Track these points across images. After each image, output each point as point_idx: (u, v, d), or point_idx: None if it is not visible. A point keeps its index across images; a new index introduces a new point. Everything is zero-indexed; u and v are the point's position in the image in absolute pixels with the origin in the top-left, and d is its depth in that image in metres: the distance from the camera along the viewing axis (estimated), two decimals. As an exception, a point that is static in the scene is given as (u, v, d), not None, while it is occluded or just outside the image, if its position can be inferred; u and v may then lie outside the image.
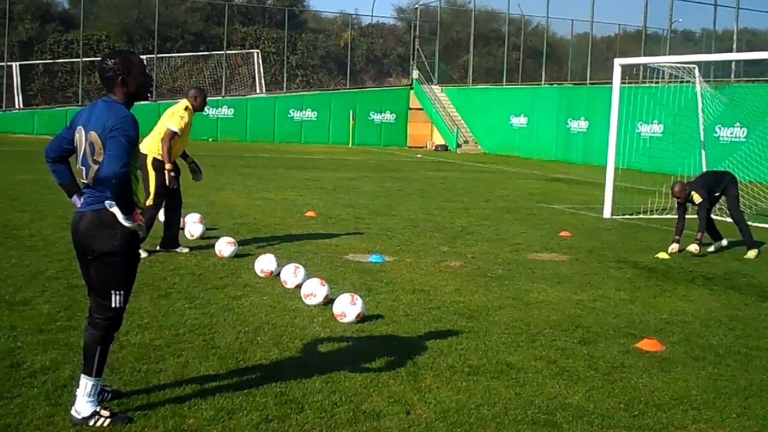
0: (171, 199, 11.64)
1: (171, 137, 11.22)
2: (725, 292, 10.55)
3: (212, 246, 11.59)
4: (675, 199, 14.09)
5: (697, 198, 13.56)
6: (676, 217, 13.93)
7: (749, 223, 14.54)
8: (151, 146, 11.32)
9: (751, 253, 13.43)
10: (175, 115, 11.34)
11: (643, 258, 12.83)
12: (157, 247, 11.57)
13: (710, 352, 7.72)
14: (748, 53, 34.15)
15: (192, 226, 12.70)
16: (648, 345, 7.72)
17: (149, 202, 11.24)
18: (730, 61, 36.41)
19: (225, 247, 11.31)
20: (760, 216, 17.75)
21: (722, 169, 15.75)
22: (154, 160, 11.27)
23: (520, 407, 5.97)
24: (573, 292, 10.13)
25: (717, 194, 14.01)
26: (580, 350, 7.56)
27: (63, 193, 5.63)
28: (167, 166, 11.24)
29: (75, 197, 5.49)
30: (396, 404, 5.90)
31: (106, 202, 5.15)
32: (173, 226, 11.71)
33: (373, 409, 5.77)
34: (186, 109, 11.44)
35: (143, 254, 11.02)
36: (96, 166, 5.18)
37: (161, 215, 11.81)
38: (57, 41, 50.18)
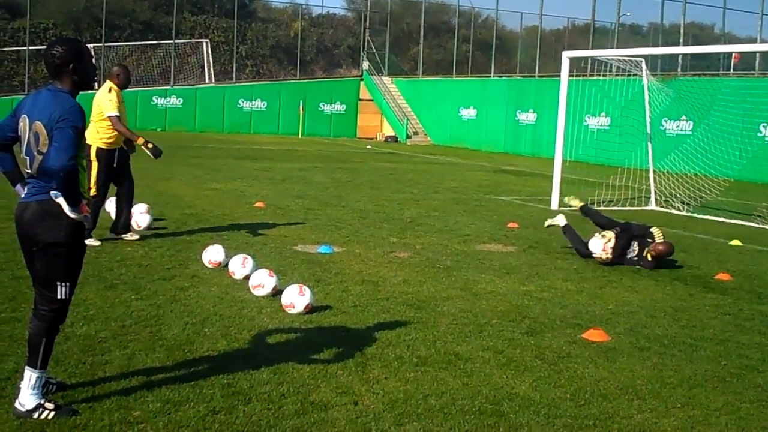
0: (122, 187, 11.60)
1: (117, 121, 11.22)
2: (670, 283, 10.67)
3: (160, 236, 11.51)
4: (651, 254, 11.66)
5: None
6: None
7: (692, 214, 14.67)
8: (92, 136, 11.20)
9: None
10: (103, 100, 11.25)
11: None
12: (110, 233, 11.53)
13: (655, 342, 7.81)
14: (694, 47, 34.64)
15: (139, 216, 12.56)
16: (594, 335, 7.79)
17: (92, 192, 11.14)
18: (676, 55, 36.84)
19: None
20: (705, 208, 18.00)
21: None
22: (98, 149, 11.20)
23: (468, 397, 5.99)
24: (520, 282, 10.19)
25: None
26: (527, 341, 7.60)
27: (7, 182, 5.56)
28: (139, 140, 11.28)
29: (18, 186, 5.42)
30: (344, 395, 5.90)
31: (52, 192, 5.09)
32: (123, 211, 11.62)
33: (321, 400, 5.77)
34: (110, 90, 11.34)
35: (95, 243, 10.96)
36: (41, 157, 5.10)
37: (111, 205, 11.79)
38: (3, 29, 49.50)
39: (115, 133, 11.30)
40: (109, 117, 11.16)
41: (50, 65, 5.26)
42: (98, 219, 11.47)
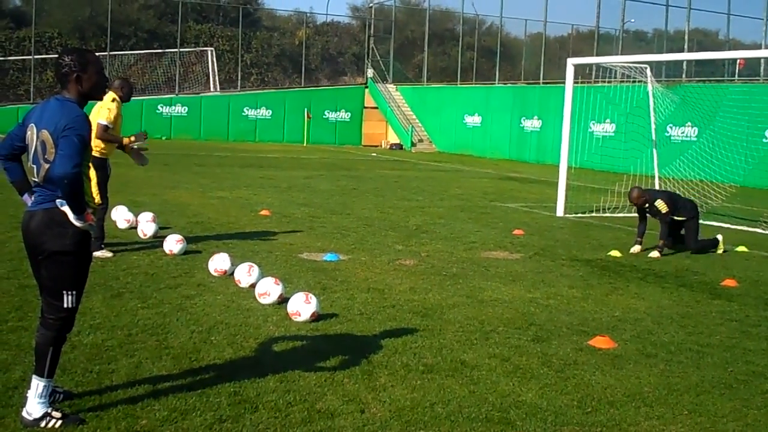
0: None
1: (104, 130, 11.06)
2: (677, 290, 10.66)
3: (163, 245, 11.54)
4: (633, 205, 13.99)
5: (663, 207, 13.46)
6: (637, 218, 13.82)
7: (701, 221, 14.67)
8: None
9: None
10: (102, 108, 11.15)
11: (596, 256, 12.93)
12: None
13: (662, 349, 7.80)
14: (699, 53, 34.62)
15: (145, 225, 12.59)
16: (600, 342, 7.78)
17: (97, 200, 11.13)
18: (681, 61, 36.82)
19: (174, 245, 11.27)
20: (711, 214, 17.96)
21: (688, 198, 15.63)
22: (92, 158, 11.16)
23: (474, 405, 5.99)
24: (526, 290, 10.18)
25: (679, 220, 13.73)
26: (533, 348, 7.60)
27: (14, 191, 5.57)
28: (125, 140, 11.17)
29: (26, 196, 5.43)
30: (350, 403, 5.89)
31: (58, 201, 5.10)
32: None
33: (328, 408, 5.76)
34: (113, 100, 11.28)
35: (108, 254, 10.94)
36: (47, 165, 5.11)
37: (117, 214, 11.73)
38: (8, 38, 49.70)
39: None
40: (98, 123, 10.96)
41: (57, 74, 5.30)
42: (104, 228, 11.46)
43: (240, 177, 24.09)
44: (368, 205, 18.41)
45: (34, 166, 5.25)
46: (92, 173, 11.14)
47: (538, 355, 7.38)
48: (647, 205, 13.60)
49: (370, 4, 57.28)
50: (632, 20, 50.48)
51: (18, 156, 5.48)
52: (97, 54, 5.67)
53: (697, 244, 13.77)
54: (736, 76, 39.66)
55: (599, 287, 10.59)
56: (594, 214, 18.35)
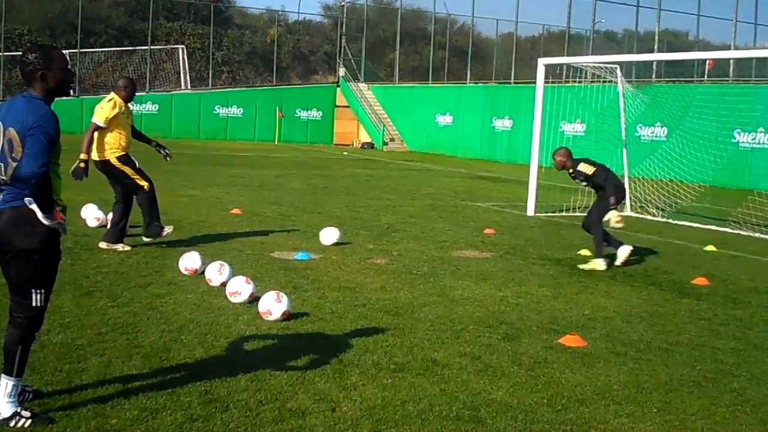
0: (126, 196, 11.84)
1: (93, 130, 11.30)
2: (646, 289, 10.73)
3: (136, 245, 11.51)
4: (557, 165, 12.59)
5: (588, 168, 12.28)
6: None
7: (667, 220, 14.75)
8: (101, 152, 11.47)
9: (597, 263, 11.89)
10: (97, 108, 11.40)
11: (566, 255, 12.98)
12: (144, 238, 11.82)
13: (631, 347, 7.85)
14: (668, 54, 34.88)
15: (115, 223, 12.51)
16: (570, 341, 7.82)
17: (146, 187, 11.75)
18: (651, 62, 37.04)
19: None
20: (680, 214, 18.09)
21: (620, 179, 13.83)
22: (117, 158, 11.37)
23: (445, 403, 6.01)
24: (497, 288, 10.22)
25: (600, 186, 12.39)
26: (503, 346, 7.63)
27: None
28: (82, 156, 11.26)
29: (-4, 195, 5.39)
30: (322, 402, 5.90)
31: (26, 199, 5.07)
32: (147, 215, 11.93)
33: (299, 407, 5.76)
34: (110, 100, 11.36)
35: (126, 248, 11.34)
36: (14, 164, 5.07)
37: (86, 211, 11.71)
38: (-23, 35, 49.22)
39: (122, 137, 11.53)
40: (92, 121, 11.32)
41: (22, 72, 5.27)
42: (159, 211, 12.06)
43: (211, 175, 24.02)
44: (339, 204, 18.41)
45: (2, 164, 5.20)
46: (128, 169, 11.57)
47: (508, 353, 7.41)
48: (571, 170, 12.47)
49: (342, 3, 57.23)
50: (603, 21, 50.88)
51: (-12, 155, 5.44)
52: (66, 51, 5.64)
53: (595, 226, 12.20)
54: (706, 76, 39.98)
55: (569, 286, 10.64)
56: (564, 214, 18.41)
